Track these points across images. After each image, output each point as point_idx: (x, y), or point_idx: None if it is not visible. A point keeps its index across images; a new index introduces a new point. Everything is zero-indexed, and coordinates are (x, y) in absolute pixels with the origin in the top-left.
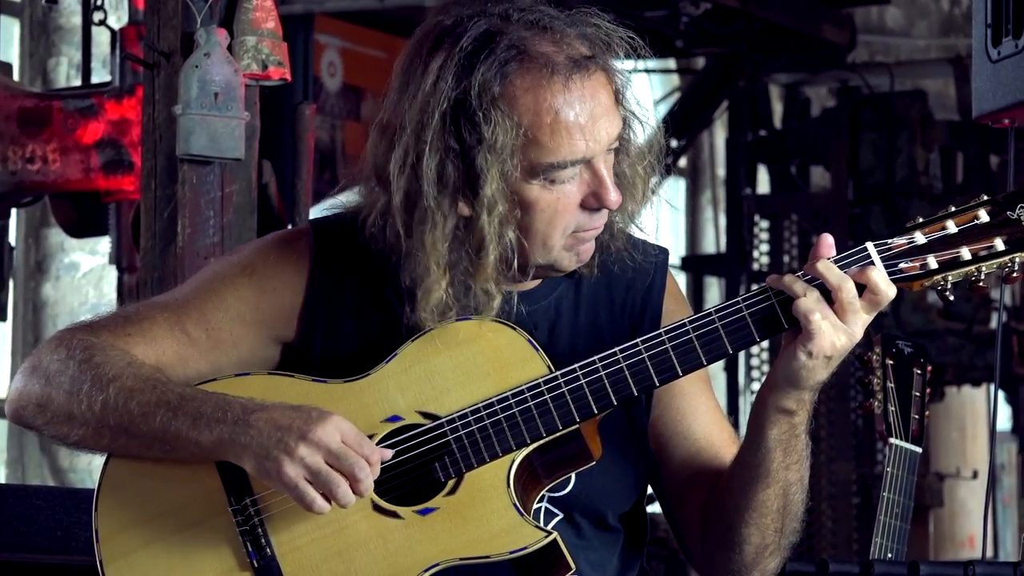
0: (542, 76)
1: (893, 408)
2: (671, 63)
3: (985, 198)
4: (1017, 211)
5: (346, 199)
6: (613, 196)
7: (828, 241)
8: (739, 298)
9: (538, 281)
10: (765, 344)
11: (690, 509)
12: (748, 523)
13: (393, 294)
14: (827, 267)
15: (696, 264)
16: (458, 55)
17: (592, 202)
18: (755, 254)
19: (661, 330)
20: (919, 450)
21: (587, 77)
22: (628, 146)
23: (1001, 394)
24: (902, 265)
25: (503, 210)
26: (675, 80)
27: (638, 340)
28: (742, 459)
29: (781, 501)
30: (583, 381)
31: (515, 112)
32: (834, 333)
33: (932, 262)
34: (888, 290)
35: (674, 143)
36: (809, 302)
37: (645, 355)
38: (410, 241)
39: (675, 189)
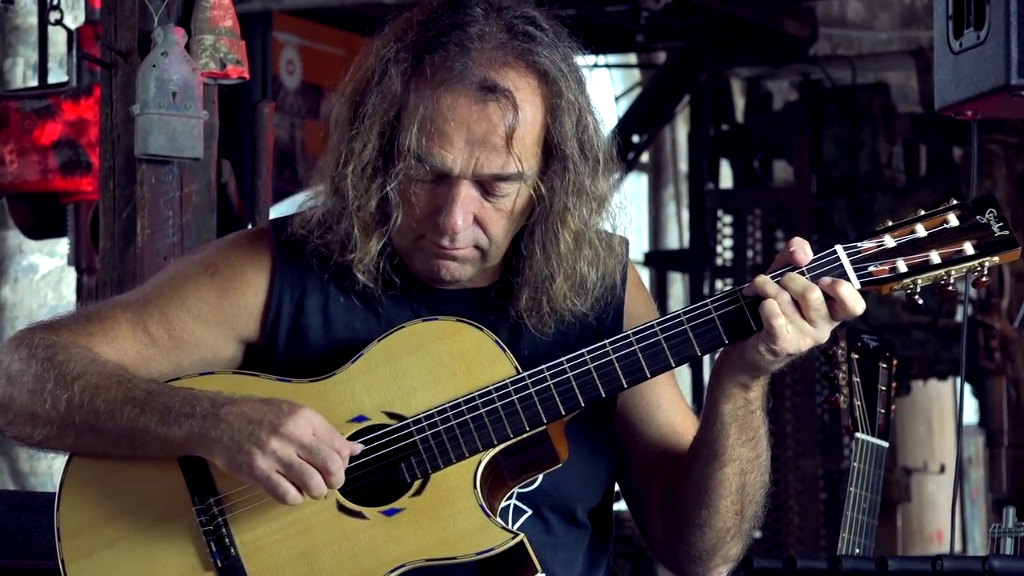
0: (449, 75)
1: (859, 403)
2: (631, 58)
3: (955, 202)
4: (987, 215)
5: (307, 197)
6: (451, 222)
7: (802, 247)
8: (708, 300)
9: (495, 275)
10: None
11: (652, 495)
12: (707, 504)
13: (356, 293)
14: (791, 277)
15: (659, 260)
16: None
17: (434, 215)
18: (719, 249)
19: (629, 332)
20: (886, 445)
21: (482, 104)
22: (545, 206)
23: (967, 387)
24: (872, 268)
25: (370, 160)
26: (636, 75)
27: (606, 342)
28: (699, 438)
29: (739, 480)
30: (551, 383)
31: (408, 85)
32: (800, 337)
33: (902, 266)
34: (857, 305)
35: (635, 138)
36: (775, 305)
37: (613, 356)
38: (344, 220)
39: (637, 185)
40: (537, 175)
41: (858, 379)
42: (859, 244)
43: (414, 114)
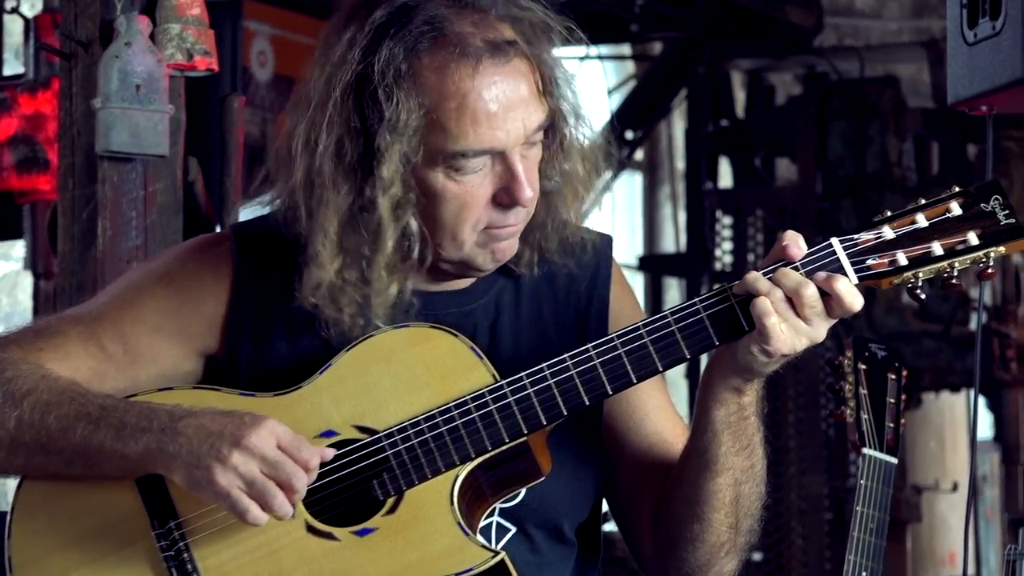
0: (452, 56)
1: (866, 416)
2: (625, 49)
3: (957, 189)
4: (991, 203)
5: (264, 201)
6: (527, 193)
7: (795, 241)
8: (696, 299)
9: (472, 280)
10: None
11: (641, 508)
12: (699, 517)
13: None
14: (784, 273)
15: (654, 264)
16: (369, 27)
17: (504, 198)
18: (717, 253)
19: (613, 335)
20: (895, 461)
21: (503, 63)
22: (562, 141)
23: (982, 400)
24: (870, 262)
25: (399, 193)
26: (630, 67)
27: (589, 346)
28: (690, 447)
29: (733, 492)
30: (531, 390)
31: (420, 92)
32: (794, 336)
33: (902, 258)
34: (854, 301)
35: (629, 135)
36: (767, 303)
37: (596, 362)
38: (311, 222)
39: (631, 184)
40: None
41: (865, 391)
42: (856, 236)
43: (445, 113)
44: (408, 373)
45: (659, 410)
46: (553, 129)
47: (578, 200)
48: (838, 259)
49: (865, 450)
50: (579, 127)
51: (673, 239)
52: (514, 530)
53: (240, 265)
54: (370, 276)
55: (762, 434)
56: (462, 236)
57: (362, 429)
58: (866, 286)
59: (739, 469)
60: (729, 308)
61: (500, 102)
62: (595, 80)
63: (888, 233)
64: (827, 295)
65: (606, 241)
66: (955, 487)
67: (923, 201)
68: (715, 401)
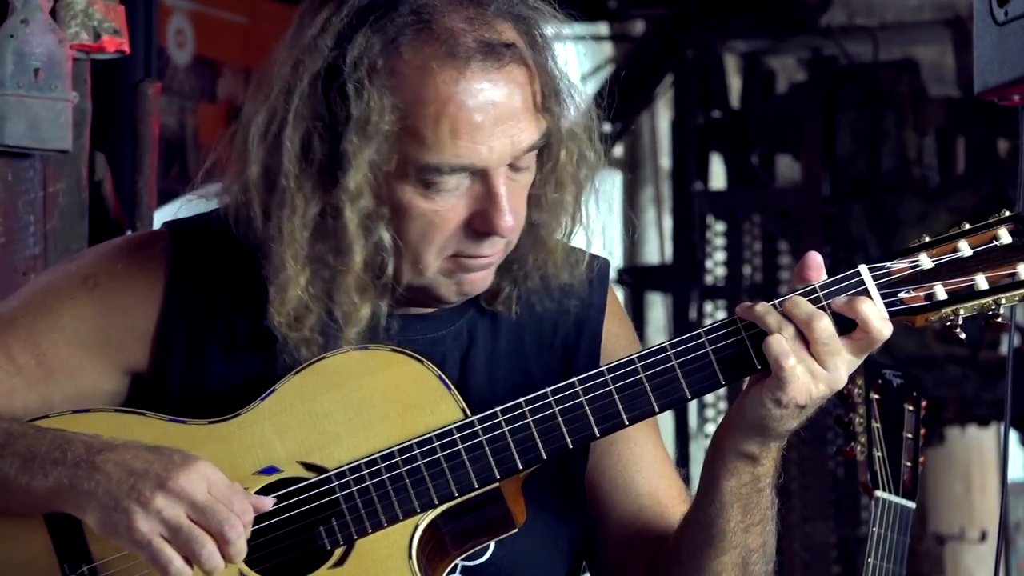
0: (436, 54)
1: (880, 454)
2: (602, 28)
3: (1007, 214)
4: None
5: (207, 193)
6: (507, 221)
7: (815, 262)
8: (701, 330)
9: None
10: None
11: None
12: None
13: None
14: (794, 302)
15: (635, 277)
16: (348, 9)
17: (480, 224)
18: (708, 264)
19: (603, 368)
20: (912, 505)
21: (495, 68)
22: (555, 165)
23: (1014, 435)
24: (903, 295)
25: (369, 206)
26: (607, 49)
27: (575, 379)
28: (693, 517)
29: (739, 572)
30: (506, 429)
31: (395, 92)
32: (812, 381)
33: (940, 292)
34: (883, 328)
35: (607, 127)
36: (783, 341)
37: (583, 398)
38: (268, 226)
39: (608, 184)
40: None
41: (878, 425)
42: (888, 264)
43: (422, 120)
44: (364, 403)
45: (654, 466)
46: (548, 151)
47: (564, 234)
48: (866, 290)
49: (878, 493)
50: (580, 151)
51: (657, 248)
52: None
53: (175, 269)
54: (336, 296)
55: (776, 507)
56: (425, 261)
57: (309, 467)
58: (898, 322)
59: (748, 548)
60: (739, 342)
61: (487, 113)
62: (567, 64)
63: (925, 262)
64: (847, 328)
65: (602, 266)
66: (983, 536)
67: (967, 226)
68: (725, 470)
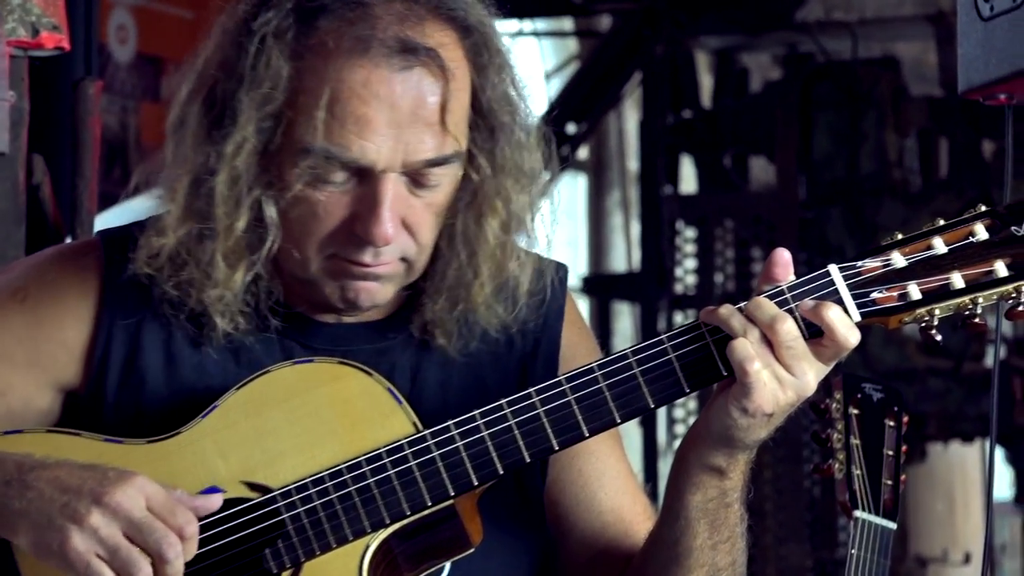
0: (349, 39)
1: (859, 472)
2: (567, 23)
3: (983, 209)
4: None
5: (151, 202)
6: (383, 229)
7: (782, 259)
8: (663, 336)
9: (395, 304)
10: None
11: None
12: None
13: (207, 320)
14: (756, 304)
15: (601, 286)
16: None
17: (356, 227)
18: (678, 272)
19: (561, 377)
20: (893, 526)
21: (404, 68)
22: (476, 200)
23: (999, 453)
24: (875, 295)
25: (243, 172)
26: (571, 46)
27: (531, 390)
28: (658, 535)
29: None
30: (460, 443)
31: (295, 62)
32: (779, 388)
33: (914, 291)
34: (849, 336)
35: (571, 128)
36: (748, 346)
37: (540, 410)
38: (164, 179)
39: (573, 189)
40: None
41: (857, 441)
42: (859, 263)
43: (314, 99)
44: (311, 418)
45: (617, 481)
46: (467, 180)
47: (478, 271)
48: (836, 291)
49: (857, 513)
50: (514, 186)
51: (624, 255)
52: None
53: (109, 281)
54: (205, 259)
55: (746, 524)
56: (306, 252)
57: (253, 486)
58: (870, 324)
59: (717, 566)
60: (703, 348)
61: (383, 111)
62: (529, 61)
63: (898, 260)
64: (816, 332)
65: (560, 272)
66: (967, 558)
67: (941, 222)
68: (691, 484)
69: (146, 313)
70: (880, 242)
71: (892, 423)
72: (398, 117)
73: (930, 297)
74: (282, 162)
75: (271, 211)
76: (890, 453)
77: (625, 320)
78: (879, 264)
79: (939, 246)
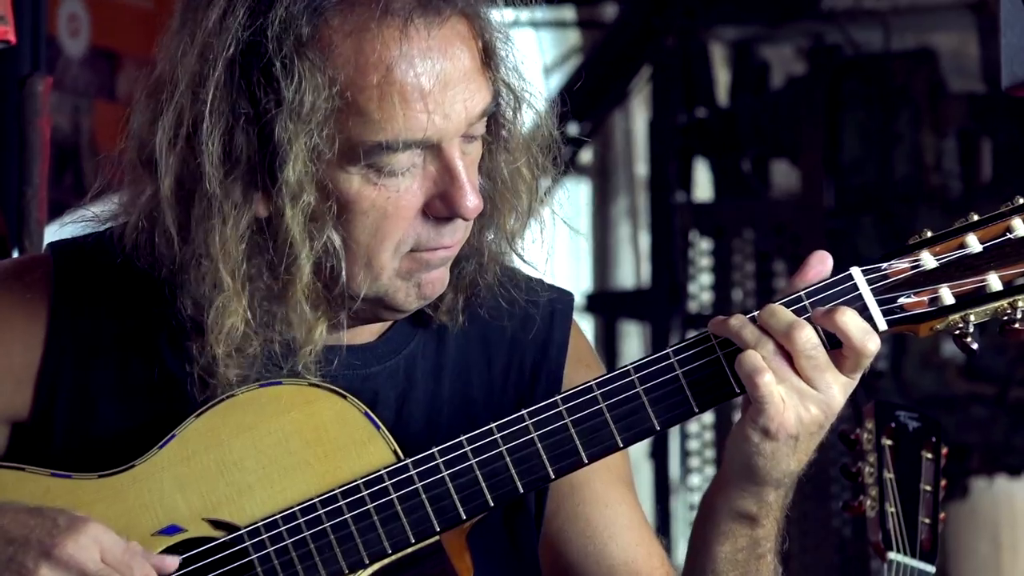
0: (371, 15)
1: (893, 509)
2: (568, 13)
3: (1021, 201)
4: None
5: (103, 210)
6: (470, 200)
7: (820, 260)
8: (669, 349)
9: (380, 329)
10: (708, 417)
11: None
12: None
13: (169, 344)
14: (770, 311)
15: (607, 304)
16: None
17: (439, 207)
18: (692, 289)
19: (557, 398)
20: (932, 570)
21: (439, 23)
22: (506, 133)
23: None
24: (903, 300)
25: (312, 201)
26: (574, 38)
27: (523, 412)
28: None
29: None
30: (445, 473)
31: (329, 64)
32: (799, 403)
33: (946, 295)
34: (865, 342)
35: (573, 129)
36: (756, 357)
37: (534, 434)
38: (188, 248)
39: (575, 196)
40: None
41: (892, 475)
42: (884, 265)
43: (361, 94)
44: (279, 447)
45: (629, 531)
46: (496, 115)
47: (520, 220)
48: (860, 296)
49: (892, 555)
50: (525, 117)
51: (632, 270)
52: None
53: (59, 300)
54: (286, 316)
55: (780, 575)
56: (380, 261)
57: (218, 524)
58: (898, 333)
59: None
60: (713, 361)
61: (437, 76)
62: (527, 55)
63: (928, 261)
64: (837, 343)
65: (565, 300)
66: None
67: (975, 217)
68: (719, 533)
69: (101, 334)
70: (908, 242)
71: (930, 455)
72: (451, 76)
73: (964, 301)
74: (338, 177)
75: (335, 237)
76: (928, 488)
77: (633, 342)
78: (907, 265)
79: (973, 244)
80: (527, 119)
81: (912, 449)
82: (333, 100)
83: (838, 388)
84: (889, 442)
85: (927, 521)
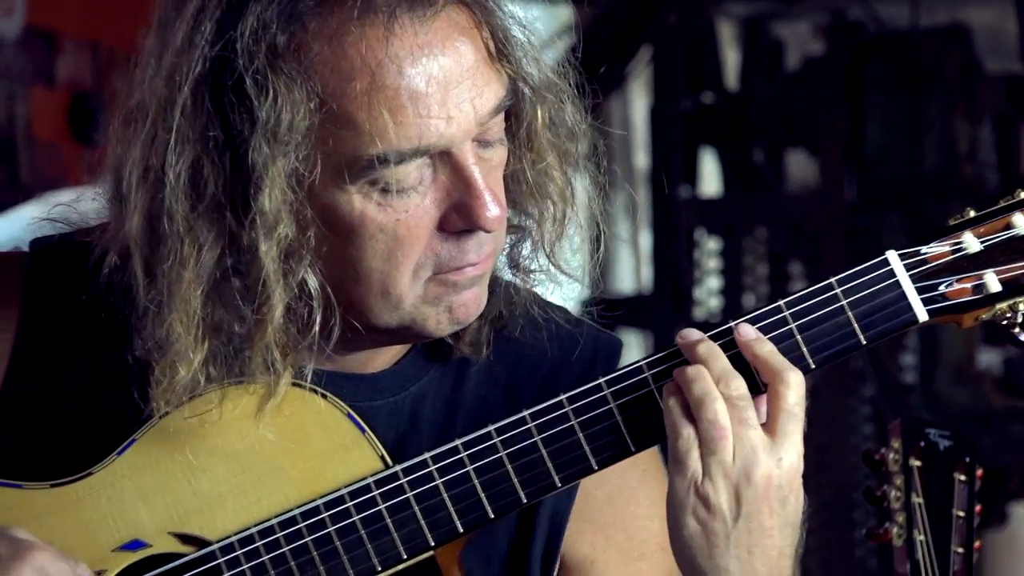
0: (352, 16)
1: (922, 538)
2: None
3: None
4: None
5: (80, 201)
6: (491, 210)
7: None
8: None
9: (391, 358)
10: None
11: None
12: None
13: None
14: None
15: (605, 311)
16: None
17: (456, 220)
18: (699, 294)
19: (563, 397)
20: None
21: (431, 16)
22: (528, 130)
23: None
24: (944, 288)
25: (289, 233)
26: (566, 14)
27: (525, 414)
28: None
29: None
30: (439, 481)
31: (309, 75)
32: (737, 442)
33: (992, 281)
34: (771, 361)
35: None
36: (671, 388)
37: (537, 438)
38: (152, 288)
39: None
40: None
41: (920, 500)
42: (923, 249)
43: (348, 104)
44: (253, 453)
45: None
46: (515, 112)
47: (557, 229)
48: (897, 282)
49: None
50: (553, 107)
51: (632, 273)
52: None
53: (28, 300)
54: (254, 360)
55: None
56: (399, 289)
57: (186, 539)
58: (938, 324)
59: None
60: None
61: (434, 76)
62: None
63: (971, 243)
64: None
65: (611, 346)
66: None
67: (1023, 195)
68: None
69: (67, 337)
70: (948, 223)
71: (963, 477)
72: (451, 74)
73: (1012, 288)
74: (326, 200)
75: (311, 279)
76: (961, 514)
77: (634, 353)
78: (948, 249)
79: (1021, 224)
80: (553, 112)
81: (944, 471)
82: (314, 115)
83: (782, 442)
84: (918, 463)
85: (960, 551)
